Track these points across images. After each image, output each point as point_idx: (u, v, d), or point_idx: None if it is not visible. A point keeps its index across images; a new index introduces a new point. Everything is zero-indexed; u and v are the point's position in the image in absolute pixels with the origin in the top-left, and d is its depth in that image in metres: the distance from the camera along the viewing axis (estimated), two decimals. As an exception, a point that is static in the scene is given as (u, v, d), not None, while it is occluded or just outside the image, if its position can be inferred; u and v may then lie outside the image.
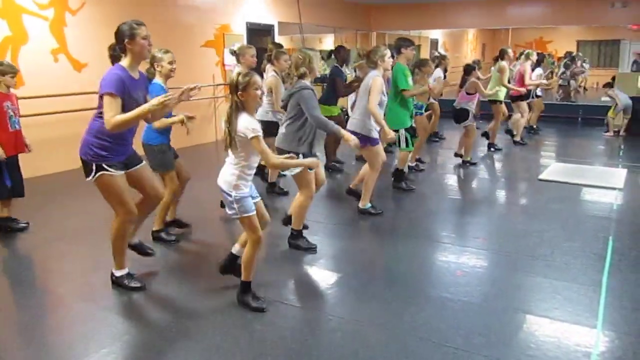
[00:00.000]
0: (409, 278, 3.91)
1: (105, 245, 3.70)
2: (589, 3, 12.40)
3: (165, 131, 4.35)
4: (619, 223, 5.18)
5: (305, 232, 4.50)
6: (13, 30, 6.68)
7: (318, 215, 5.19)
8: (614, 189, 6.37)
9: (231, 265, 3.64)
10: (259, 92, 3.16)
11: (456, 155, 7.96)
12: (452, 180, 7.21)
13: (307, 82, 4.23)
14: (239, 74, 3.15)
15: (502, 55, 8.77)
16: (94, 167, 3.36)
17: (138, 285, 3.66)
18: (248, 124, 3.10)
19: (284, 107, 4.44)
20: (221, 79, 10.02)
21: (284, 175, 6.26)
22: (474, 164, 7.80)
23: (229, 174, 3.22)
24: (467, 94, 7.52)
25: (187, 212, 5.00)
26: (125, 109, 3.22)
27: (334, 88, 6.98)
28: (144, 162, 3.75)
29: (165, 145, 4.40)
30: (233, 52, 5.40)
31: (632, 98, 10.70)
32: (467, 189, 6.89)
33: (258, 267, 3.77)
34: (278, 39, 11.69)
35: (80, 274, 3.99)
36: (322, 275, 4.05)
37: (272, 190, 6.07)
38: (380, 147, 5.22)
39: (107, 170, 3.37)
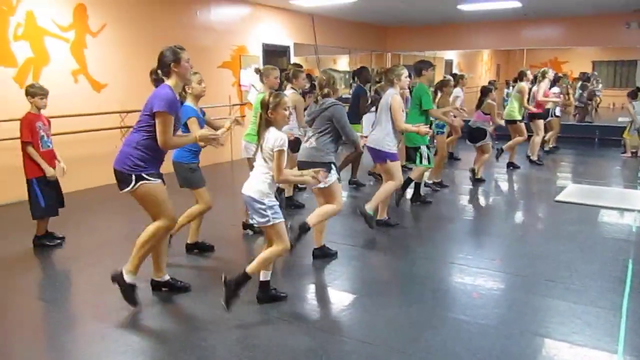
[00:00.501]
0: (425, 300, 3.88)
1: (122, 262, 3.71)
2: (604, 24, 12.37)
3: (196, 151, 4.47)
4: (638, 245, 5.10)
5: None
6: (35, 51, 6.84)
7: (334, 236, 5.18)
8: (632, 210, 6.29)
9: (266, 293, 3.74)
10: (287, 112, 3.49)
11: (472, 170, 7.92)
12: (467, 200, 7.17)
13: (333, 99, 4.46)
14: (270, 94, 3.48)
15: (521, 76, 8.88)
16: (133, 178, 3.45)
17: (133, 299, 3.63)
18: (278, 137, 3.39)
19: (310, 123, 4.56)
20: (237, 100, 10.13)
21: (304, 189, 6.48)
22: (482, 180, 7.79)
23: (260, 182, 3.47)
24: (484, 114, 7.56)
25: (204, 231, 5.00)
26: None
27: (358, 106, 7.31)
28: (165, 184, 3.73)
29: (195, 164, 4.49)
30: (257, 71, 5.51)
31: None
32: (483, 210, 6.84)
33: (274, 285, 3.79)
34: (293, 59, 11.83)
35: (98, 292, 4.01)
36: (338, 296, 4.03)
37: (291, 203, 6.24)
38: (398, 164, 5.39)
39: (148, 180, 3.47)
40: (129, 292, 3.62)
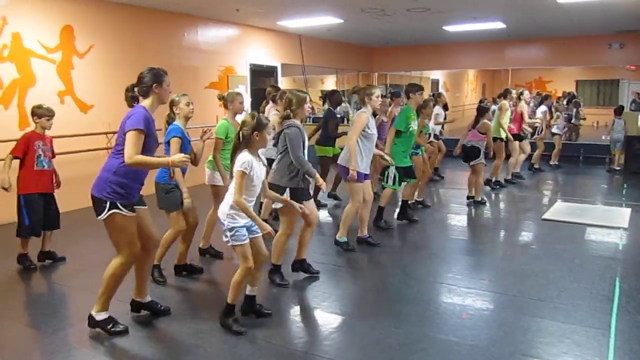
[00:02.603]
0: (414, 321, 3.85)
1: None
2: (588, 44, 12.60)
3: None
4: (624, 263, 5.13)
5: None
6: (21, 73, 6.81)
7: (320, 257, 5.16)
8: (618, 228, 6.34)
9: (250, 306, 3.78)
10: (270, 135, 3.52)
11: (469, 198, 7.81)
12: (455, 220, 7.18)
13: (294, 121, 4.34)
14: (253, 116, 3.50)
15: (505, 94, 8.99)
16: (107, 205, 3.36)
17: (121, 329, 3.56)
18: (244, 159, 3.40)
19: (275, 144, 4.51)
20: (225, 120, 10.12)
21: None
22: (484, 203, 7.77)
23: (225, 203, 3.49)
24: (480, 133, 7.55)
25: (193, 253, 4.95)
26: (145, 146, 3.34)
27: (327, 129, 7.34)
28: (146, 206, 3.72)
29: (171, 185, 4.40)
30: (221, 98, 5.43)
31: (632, 137, 10.82)
32: (470, 229, 6.86)
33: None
34: (281, 79, 11.89)
35: (84, 316, 3.92)
36: (326, 318, 3.99)
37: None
38: (363, 185, 5.29)
39: (121, 210, 3.38)
40: (112, 322, 3.57)
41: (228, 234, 3.45)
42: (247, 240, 3.50)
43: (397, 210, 6.84)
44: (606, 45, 12.41)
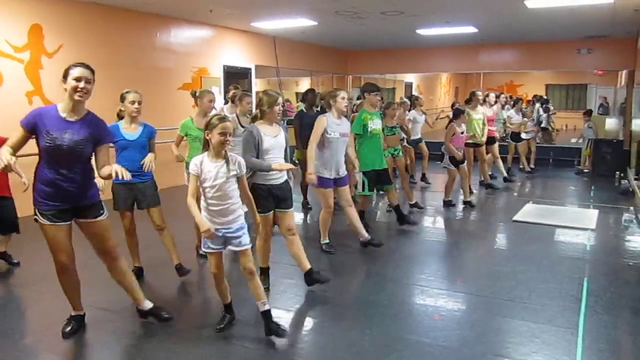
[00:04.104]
0: (387, 322, 3.86)
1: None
2: (557, 49, 12.85)
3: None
4: (592, 264, 5.24)
5: (278, 275, 4.58)
6: (-13, 72, 6.64)
7: (292, 260, 5.13)
8: (586, 229, 6.47)
9: (269, 324, 3.57)
10: (222, 137, 3.33)
11: (444, 202, 7.85)
12: (427, 222, 7.22)
13: (252, 126, 4.15)
14: (213, 116, 3.39)
15: (470, 97, 8.87)
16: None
17: (65, 330, 3.54)
18: (192, 161, 3.38)
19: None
20: (198, 121, 10.03)
21: None
22: (453, 204, 7.82)
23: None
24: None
25: (163, 255, 4.89)
26: (40, 143, 3.19)
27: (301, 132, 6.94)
28: (99, 218, 3.45)
29: (116, 185, 4.31)
30: (193, 94, 5.41)
31: (599, 140, 11.16)
32: (442, 231, 6.92)
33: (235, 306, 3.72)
34: (255, 81, 11.85)
35: (51, 321, 3.84)
36: (299, 320, 3.98)
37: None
38: (325, 191, 5.24)
39: (38, 217, 3.27)
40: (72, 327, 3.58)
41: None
42: (212, 250, 3.46)
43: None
44: (575, 51, 12.69)
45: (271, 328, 3.51)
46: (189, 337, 3.56)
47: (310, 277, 4.45)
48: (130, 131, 4.32)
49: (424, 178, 9.97)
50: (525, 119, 10.91)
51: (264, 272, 4.45)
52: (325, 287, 4.54)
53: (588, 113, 11.91)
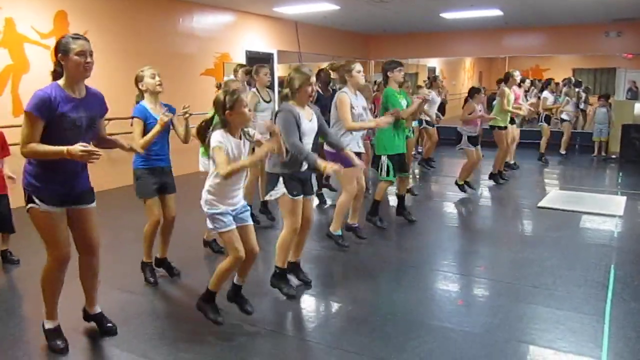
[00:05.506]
0: (410, 308, 3.86)
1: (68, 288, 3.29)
2: (585, 32, 12.56)
3: (143, 155, 3.94)
4: (620, 251, 5.15)
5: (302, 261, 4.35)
6: (14, 59, 6.74)
7: (315, 243, 5.14)
8: (614, 216, 6.36)
9: (235, 295, 3.56)
10: (246, 109, 3.18)
11: (462, 184, 7.57)
12: (450, 208, 7.19)
13: (286, 104, 3.82)
14: (226, 92, 3.16)
15: (506, 78, 8.35)
16: (26, 198, 2.99)
17: (61, 346, 3.12)
18: (215, 137, 3.12)
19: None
20: (220, 107, 10.07)
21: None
22: (462, 187, 7.53)
23: (204, 190, 3.28)
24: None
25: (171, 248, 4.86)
26: (56, 128, 2.87)
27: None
28: (92, 205, 3.20)
29: (141, 170, 4.03)
30: (218, 86, 5.29)
31: (628, 125, 10.88)
32: (466, 217, 6.87)
33: (254, 294, 3.75)
34: (277, 66, 11.83)
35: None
36: (322, 305, 3.99)
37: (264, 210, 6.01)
38: (354, 171, 4.73)
39: (36, 204, 2.95)
40: (56, 335, 3.17)
41: (209, 221, 3.25)
42: (232, 227, 3.22)
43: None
44: (603, 34, 12.38)
45: (238, 301, 3.53)
46: (196, 339, 3.58)
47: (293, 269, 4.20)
48: (156, 112, 4.00)
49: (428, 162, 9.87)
50: (568, 98, 10.73)
51: (284, 275, 4.07)
52: (346, 272, 4.54)
53: (605, 97, 11.54)
